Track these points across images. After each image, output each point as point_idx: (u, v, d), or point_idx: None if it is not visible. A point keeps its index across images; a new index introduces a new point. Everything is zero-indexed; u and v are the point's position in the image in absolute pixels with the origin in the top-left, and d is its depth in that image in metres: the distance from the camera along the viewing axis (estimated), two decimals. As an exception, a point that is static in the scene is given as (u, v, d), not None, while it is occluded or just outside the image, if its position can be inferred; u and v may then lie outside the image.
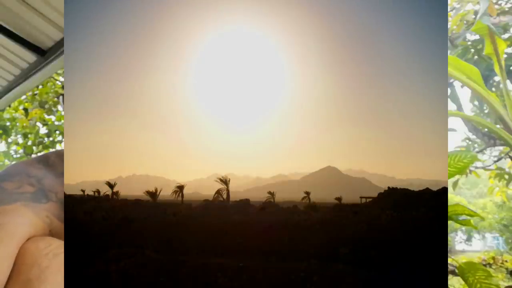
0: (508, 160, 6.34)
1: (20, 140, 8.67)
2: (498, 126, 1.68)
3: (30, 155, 8.50)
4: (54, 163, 0.91)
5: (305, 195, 10.19)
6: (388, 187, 8.53)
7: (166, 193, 10.15)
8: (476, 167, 6.42)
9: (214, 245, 4.93)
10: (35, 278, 0.61)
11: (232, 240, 5.21)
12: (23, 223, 0.68)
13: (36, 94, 8.48)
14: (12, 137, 8.70)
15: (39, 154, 8.37)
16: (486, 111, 5.74)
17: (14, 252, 0.63)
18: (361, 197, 10.03)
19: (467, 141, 6.38)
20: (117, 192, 10.27)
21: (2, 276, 0.60)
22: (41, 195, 0.79)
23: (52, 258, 0.64)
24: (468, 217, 1.70)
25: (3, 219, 0.67)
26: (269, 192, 9.93)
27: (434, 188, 7.72)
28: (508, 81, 4.45)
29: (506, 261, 8.13)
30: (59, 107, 8.56)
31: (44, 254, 0.64)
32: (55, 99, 8.55)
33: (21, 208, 0.72)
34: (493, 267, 7.90)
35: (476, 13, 5.28)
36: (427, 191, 7.81)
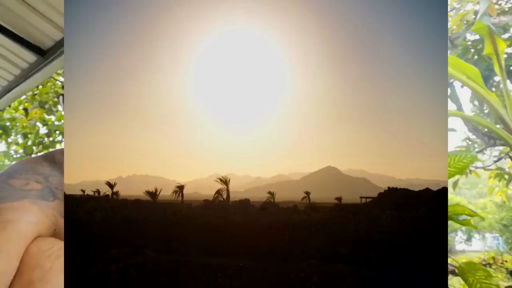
0: (508, 160, 6.33)
1: (20, 140, 8.66)
2: (498, 126, 1.68)
3: (30, 155, 8.49)
4: (60, 161, 0.90)
5: (305, 195, 10.19)
6: (388, 187, 8.53)
7: (166, 193, 10.14)
8: (476, 167, 6.41)
9: (214, 245, 4.93)
10: (37, 280, 0.61)
11: (232, 240, 5.21)
12: (31, 221, 0.68)
13: (36, 94, 8.48)
14: (12, 137, 8.69)
15: (39, 154, 8.36)
16: (486, 111, 5.73)
17: (21, 252, 0.63)
18: (361, 197, 10.03)
19: (467, 141, 6.38)
20: (117, 192, 10.27)
21: (8, 276, 0.60)
22: (48, 193, 0.78)
23: (54, 259, 0.64)
24: (468, 217, 1.69)
25: (12, 216, 0.66)
26: (269, 192, 9.93)
27: (434, 188, 7.73)
28: (508, 81, 4.45)
29: (506, 261, 8.11)
30: (59, 107, 8.56)
31: (47, 256, 0.64)
32: (55, 99, 8.54)
33: (29, 205, 0.71)
34: (493, 267, 7.89)
35: (476, 13, 5.28)
36: (427, 191, 7.82)
